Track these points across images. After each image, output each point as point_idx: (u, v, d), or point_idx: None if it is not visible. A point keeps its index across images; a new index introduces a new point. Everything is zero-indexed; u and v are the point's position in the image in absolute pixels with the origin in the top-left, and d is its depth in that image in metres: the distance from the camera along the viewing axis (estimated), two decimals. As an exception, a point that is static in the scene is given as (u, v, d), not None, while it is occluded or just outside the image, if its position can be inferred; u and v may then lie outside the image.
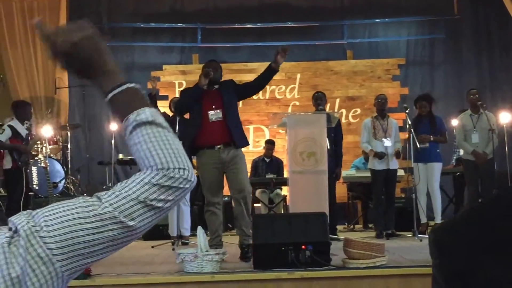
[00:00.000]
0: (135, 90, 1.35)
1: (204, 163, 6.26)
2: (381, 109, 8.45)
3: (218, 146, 6.19)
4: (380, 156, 8.23)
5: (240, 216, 6.18)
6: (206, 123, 6.20)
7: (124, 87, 1.34)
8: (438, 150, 8.39)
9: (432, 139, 8.16)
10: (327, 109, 9.27)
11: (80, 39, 1.33)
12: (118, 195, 1.24)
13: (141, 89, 1.37)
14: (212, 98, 6.26)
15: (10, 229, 1.16)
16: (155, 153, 1.29)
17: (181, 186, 1.29)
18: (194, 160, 8.97)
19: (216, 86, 6.38)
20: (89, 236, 1.19)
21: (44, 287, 1.15)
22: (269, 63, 6.26)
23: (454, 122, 9.63)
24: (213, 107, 6.22)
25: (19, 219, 1.17)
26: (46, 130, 9.31)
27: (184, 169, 1.29)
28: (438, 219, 8.32)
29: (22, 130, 8.52)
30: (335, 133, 8.15)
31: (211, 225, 6.27)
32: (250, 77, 10.81)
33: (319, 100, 8.37)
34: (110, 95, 1.34)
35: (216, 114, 6.20)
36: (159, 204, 1.27)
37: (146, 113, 1.33)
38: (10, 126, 8.43)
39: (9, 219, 1.18)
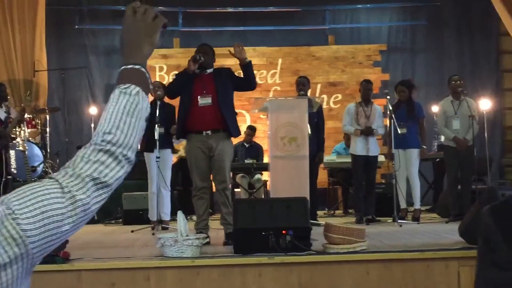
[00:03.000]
0: (143, 74, 1.43)
1: (192, 148, 6.23)
2: (366, 97, 8.45)
3: (206, 132, 6.14)
4: (366, 132, 8.22)
5: (222, 205, 6.19)
6: (195, 107, 6.12)
7: (137, 66, 1.43)
8: (417, 137, 8.41)
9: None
10: (309, 95, 9.25)
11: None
12: (72, 174, 1.28)
13: (149, 77, 1.45)
14: (203, 82, 6.17)
15: None
16: (108, 119, 1.35)
17: (119, 159, 1.33)
18: (180, 144, 8.93)
19: (209, 71, 6.29)
20: (58, 217, 1.22)
21: (14, 267, 1.17)
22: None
23: (435, 108, 9.65)
24: (204, 92, 6.13)
25: None
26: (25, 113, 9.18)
27: (115, 145, 1.33)
28: (417, 205, 8.35)
29: (0, 113, 8.40)
30: (318, 118, 8.15)
31: (198, 209, 6.25)
32: (231, 62, 10.75)
33: (301, 85, 8.34)
34: (123, 67, 1.44)
35: (205, 100, 6.10)
36: (106, 179, 1.30)
37: (134, 88, 1.39)
38: (-13, 110, 8.30)
39: None
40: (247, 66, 6.24)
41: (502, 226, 1.04)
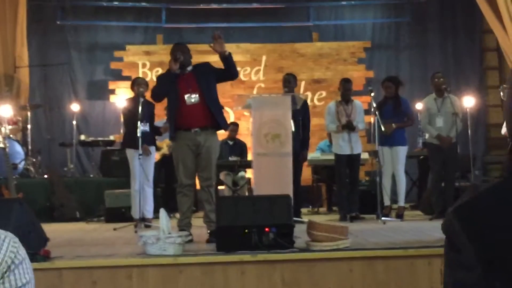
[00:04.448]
0: None
1: (179, 145, 6.20)
2: (346, 97, 8.39)
3: (195, 129, 6.13)
4: (348, 126, 8.17)
5: (206, 202, 6.17)
6: (183, 106, 6.12)
7: None
8: (403, 134, 8.38)
9: (394, 126, 8.12)
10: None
11: None
12: None
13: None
14: (187, 81, 6.18)
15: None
16: None
17: None
18: (163, 142, 8.89)
19: (189, 69, 6.30)
20: None
21: None
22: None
23: (419, 105, 9.66)
24: (190, 90, 6.14)
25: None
26: (5, 110, 9.09)
27: None
28: (402, 202, 8.35)
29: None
30: (303, 115, 8.11)
31: (182, 206, 6.24)
32: (215, 59, 10.69)
33: (287, 82, 8.29)
34: None
35: (193, 98, 6.11)
36: None
37: None
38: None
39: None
40: (227, 59, 6.24)
41: (467, 227, 1.00)
